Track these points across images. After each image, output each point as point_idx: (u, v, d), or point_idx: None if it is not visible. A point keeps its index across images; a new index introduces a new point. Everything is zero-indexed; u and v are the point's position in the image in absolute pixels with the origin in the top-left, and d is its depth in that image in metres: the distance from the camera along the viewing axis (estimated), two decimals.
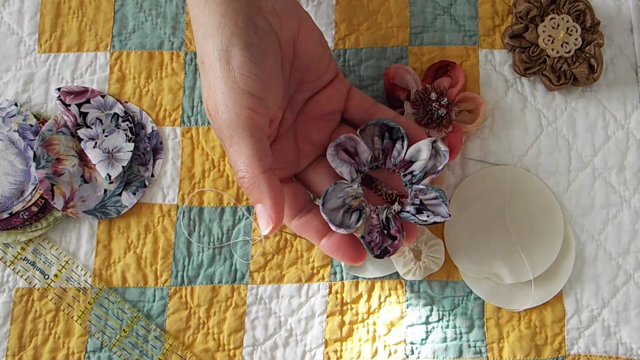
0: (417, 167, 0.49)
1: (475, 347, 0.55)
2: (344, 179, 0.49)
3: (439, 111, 0.54)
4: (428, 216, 0.47)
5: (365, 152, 0.50)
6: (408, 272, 0.54)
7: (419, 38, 0.60)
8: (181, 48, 0.60)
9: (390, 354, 0.55)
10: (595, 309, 0.56)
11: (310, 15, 0.49)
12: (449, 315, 0.56)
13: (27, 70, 0.60)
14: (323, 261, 0.57)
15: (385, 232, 0.47)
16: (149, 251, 0.57)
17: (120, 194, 0.57)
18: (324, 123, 0.51)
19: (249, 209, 0.58)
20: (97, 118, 0.58)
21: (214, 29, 0.44)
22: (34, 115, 0.58)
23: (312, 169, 0.51)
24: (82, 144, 0.57)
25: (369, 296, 0.56)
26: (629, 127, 0.59)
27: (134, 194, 0.57)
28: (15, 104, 0.58)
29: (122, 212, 0.57)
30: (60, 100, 0.57)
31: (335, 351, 0.56)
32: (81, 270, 0.57)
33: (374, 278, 0.56)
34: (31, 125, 0.58)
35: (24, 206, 0.56)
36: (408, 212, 0.47)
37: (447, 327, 0.56)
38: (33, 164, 0.56)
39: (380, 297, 0.56)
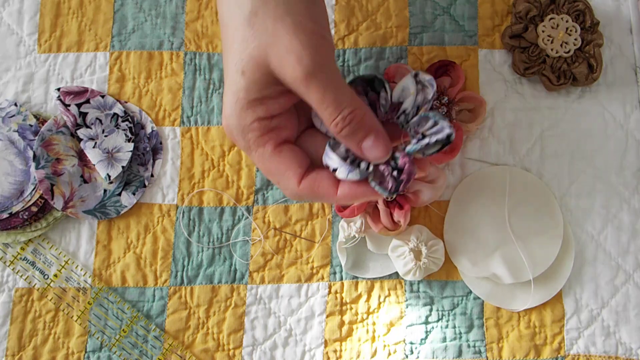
0: (407, 104, 0.46)
1: (474, 347, 0.55)
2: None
3: (439, 110, 0.54)
4: (431, 138, 0.43)
5: None
6: (408, 272, 0.54)
7: (418, 38, 0.60)
8: (181, 48, 0.60)
9: (389, 354, 0.55)
10: (594, 309, 0.56)
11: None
12: (449, 315, 0.56)
13: (27, 70, 0.60)
14: (323, 261, 0.57)
15: (396, 171, 0.43)
16: (148, 251, 0.57)
17: (119, 194, 0.57)
18: None
19: (249, 209, 0.58)
20: (97, 118, 0.58)
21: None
22: (34, 115, 0.58)
23: (306, 133, 0.48)
24: (81, 144, 0.57)
25: (369, 296, 0.56)
26: (629, 127, 0.59)
27: (134, 194, 0.57)
28: (15, 104, 0.58)
29: (122, 212, 0.57)
30: (60, 100, 0.57)
31: (335, 351, 0.56)
32: (81, 270, 0.57)
33: (374, 278, 0.56)
34: (31, 125, 0.58)
35: (23, 206, 0.56)
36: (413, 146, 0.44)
37: (447, 327, 0.56)
38: (33, 164, 0.56)
39: (379, 297, 0.56)
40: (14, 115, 0.58)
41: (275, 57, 0.41)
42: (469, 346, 0.55)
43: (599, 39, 0.58)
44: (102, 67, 0.60)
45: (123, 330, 0.56)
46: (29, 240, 0.57)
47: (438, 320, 0.56)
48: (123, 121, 0.58)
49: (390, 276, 0.57)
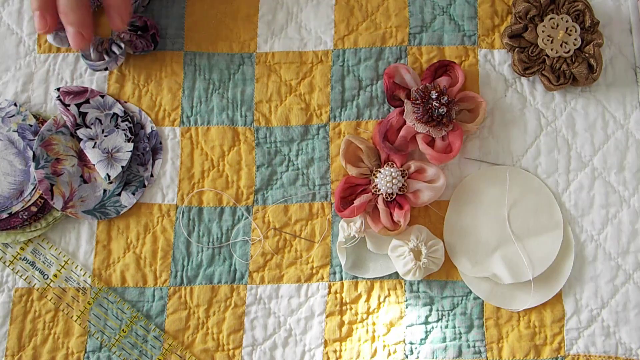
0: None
1: (474, 347, 0.55)
2: None
3: (439, 109, 0.54)
4: None
5: None
6: (408, 272, 0.54)
7: (417, 38, 0.60)
8: (181, 48, 0.60)
9: (389, 354, 0.55)
10: (594, 309, 0.56)
11: None
12: (448, 315, 0.56)
13: (27, 70, 0.60)
14: (322, 261, 0.57)
15: None
16: (148, 251, 0.57)
17: (119, 194, 0.57)
18: None
19: (248, 209, 0.58)
20: (97, 118, 0.58)
21: None
22: (34, 115, 0.58)
23: None
24: (81, 144, 0.57)
25: (369, 296, 0.56)
26: (629, 127, 0.59)
27: (133, 194, 0.57)
28: (15, 104, 0.58)
29: (122, 212, 0.57)
30: (60, 100, 0.57)
31: (335, 351, 0.56)
32: (80, 270, 0.57)
33: (374, 278, 0.56)
34: (30, 125, 0.58)
35: (23, 206, 0.56)
36: None
37: (447, 327, 0.56)
38: (32, 164, 0.56)
39: (379, 297, 0.56)
40: (13, 115, 0.58)
41: None
42: (468, 346, 0.55)
43: (598, 38, 0.57)
44: None
45: (123, 330, 0.56)
46: (29, 240, 0.57)
47: (438, 321, 0.56)
48: (123, 121, 0.58)
49: (390, 276, 0.57)
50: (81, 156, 0.58)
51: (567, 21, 0.58)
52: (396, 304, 0.56)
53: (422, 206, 0.57)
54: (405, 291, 0.56)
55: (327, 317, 0.56)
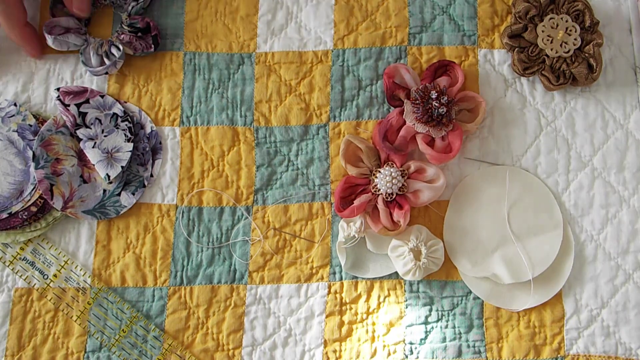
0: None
1: (474, 347, 0.55)
2: None
3: (439, 109, 0.54)
4: None
5: None
6: (408, 272, 0.54)
7: (417, 38, 0.60)
8: (180, 48, 0.60)
9: (389, 354, 0.55)
10: (594, 309, 0.56)
11: None
12: (448, 315, 0.56)
13: (27, 71, 0.60)
14: (322, 261, 0.57)
15: None
16: (148, 251, 0.57)
17: (119, 194, 0.57)
18: None
19: (248, 209, 0.58)
20: (97, 118, 0.58)
21: None
22: (33, 115, 0.58)
23: None
24: (81, 144, 0.57)
25: (368, 296, 0.56)
26: (628, 127, 0.59)
27: (133, 194, 0.57)
28: (15, 104, 0.58)
29: (121, 212, 0.57)
30: (60, 100, 0.57)
31: (335, 351, 0.56)
32: (80, 270, 0.57)
33: (374, 278, 0.56)
34: (30, 125, 0.58)
35: (23, 206, 0.56)
36: None
37: (446, 327, 0.56)
38: (32, 164, 0.56)
39: (379, 297, 0.56)
40: (13, 115, 0.58)
41: None
42: (468, 346, 0.55)
43: (598, 38, 0.57)
44: None
45: (122, 330, 0.56)
46: (29, 240, 0.57)
47: (438, 320, 0.56)
48: (122, 121, 0.58)
49: (390, 276, 0.56)
50: (81, 156, 0.58)
51: (567, 21, 0.58)
52: (396, 304, 0.56)
53: (422, 206, 0.57)
54: (405, 291, 0.56)
55: (327, 317, 0.56)
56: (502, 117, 0.59)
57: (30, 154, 0.57)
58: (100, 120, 0.58)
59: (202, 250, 0.57)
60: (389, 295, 0.56)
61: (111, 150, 0.57)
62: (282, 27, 0.60)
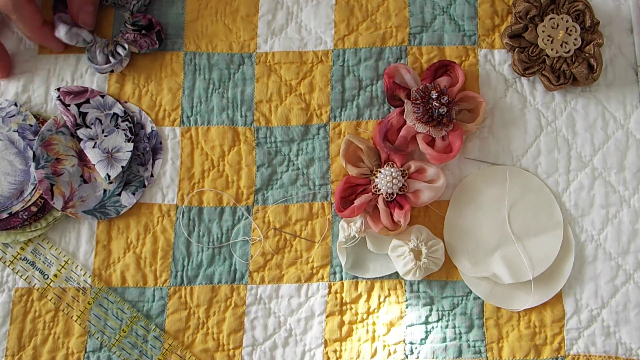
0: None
1: (474, 347, 0.55)
2: None
3: (440, 109, 0.54)
4: None
5: None
6: (408, 272, 0.54)
7: (418, 38, 0.60)
8: (181, 48, 0.60)
9: (389, 354, 0.55)
10: (594, 309, 0.56)
11: None
12: (449, 315, 0.56)
13: (27, 71, 0.60)
14: (323, 261, 0.57)
15: None
16: (148, 251, 0.57)
17: (119, 194, 0.57)
18: None
19: (249, 209, 0.58)
20: (97, 118, 0.58)
21: None
22: (34, 115, 0.58)
23: None
24: (81, 144, 0.57)
25: (369, 296, 0.56)
26: (629, 127, 0.59)
27: (134, 194, 0.57)
28: (15, 104, 0.58)
29: (122, 212, 0.57)
30: (60, 100, 0.57)
31: (335, 351, 0.56)
32: (80, 270, 0.57)
33: (374, 278, 0.56)
34: (31, 125, 0.58)
35: (23, 206, 0.56)
36: None
37: (447, 327, 0.56)
38: (32, 164, 0.56)
39: (379, 297, 0.56)
40: (14, 115, 0.58)
41: None
42: (469, 346, 0.55)
43: (599, 38, 0.57)
44: None
45: (123, 330, 0.56)
46: (29, 240, 0.57)
47: (438, 320, 0.56)
48: (123, 121, 0.58)
49: (390, 276, 0.56)
50: (81, 156, 0.58)
51: (567, 21, 0.58)
52: (396, 304, 0.56)
53: (422, 206, 0.57)
54: (405, 291, 0.56)
55: (327, 317, 0.56)
56: (503, 117, 0.59)
57: (30, 154, 0.57)
58: (100, 120, 0.58)
59: (202, 250, 0.57)
60: (389, 295, 0.56)
61: (111, 150, 0.57)
62: (282, 27, 0.60)
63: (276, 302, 0.56)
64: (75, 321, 0.56)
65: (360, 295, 0.56)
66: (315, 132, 0.58)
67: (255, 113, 0.59)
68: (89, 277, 0.57)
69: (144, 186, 0.58)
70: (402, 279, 0.56)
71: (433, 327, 0.56)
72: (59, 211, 0.57)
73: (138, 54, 0.59)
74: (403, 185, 0.55)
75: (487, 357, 0.55)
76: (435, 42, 0.60)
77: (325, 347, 0.56)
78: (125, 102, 0.59)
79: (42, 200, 0.56)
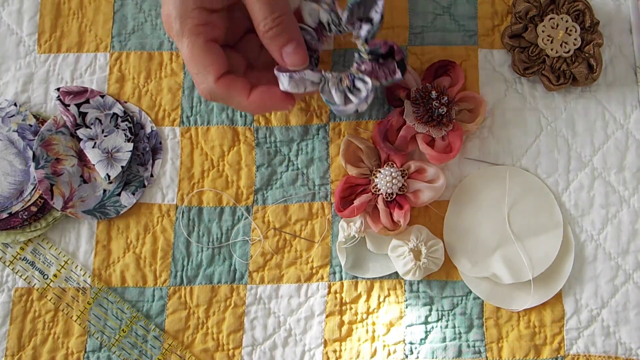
0: (322, 16, 0.51)
1: (474, 347, 0.55)
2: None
3: (440, 109, 0.54)
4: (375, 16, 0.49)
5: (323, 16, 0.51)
6: (408, 272, 0.54)
7: (418, 38, 0.60)
8: None
9: (389, 354, 0.55)
10: (594, 309, 0.56)
11: None
12: (448, 315, 0.56)
13: (27, 71, 0.60)
14: (322, 261, 0.57)
15: (359, 81, 0.50)
16: (148, 251, 0.57)
17: (119, 194, 0.57)
18: None
19: (248, 209, 0.58)
20: (97, 118, 0.58)
21: None
22: (34, 115, 0.58)
23: (246, 38, 0.53)
24: (81, 144, 0.57)
25: (368, 296, 0.56)
26: (629, 127, 0.59)
27: (133, 194, 0.57)
28: (15, 104, 0.58)
29: (121, 212, 0.57)
30: (60, 100, 0.57)
31: (335, 351, 0.56)
32: (80, 270, 0.57)
33: (374, 278, 0.56)
34: (30, 125, 0.58)
35: (23, 206, 0.56)
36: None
37: (446, 327, 0.56)
38: (32, 164, 0.56)
39: (379, 297, 0.56)
40: (13, 115, 0.58)
41: None
42: (468, 346, 0.55)
43: (598, 38, 0.57)
44: (102, 67, 0.60)
45: (122, 330, 0.56)
46: (29, 240, 0.57)
47: (438, 320, 0.56)
48: (123, 121, 0.58)
49: (390, 276, 0.56)
50: (81, 156, 0.58)
51: (567, 21, 0.58)
52: (396, 304, 0.56)
53: (422, 206, 0.57)
54: (405, 291, 0.56)
55: (327, 317, 0.56)
56: (502, 117, 0.59)
57: (30, 154, 0.57)
58: (100, 120, 0.58)
59: (202, 250, 0.57)
60: (389, 295, 0.56)
61: (111, 150, 0.57)
62: None
63: (276, 302, 0.56)
64: (75, 321, 0.56)
65: (360, 295, 0.56)
66: (315, 132, 0.58)
67: None
68: (89, 277, 0.57)
69: (144, 186, 0.58)
70: (402, 279, 0.56)
71: (433, 327, 0.56)
72: (58, 211, 0.57)
73: (136, 53, 0.59)
74: (403, 185, 0.55)
75: (486, 357, 0.55)
76: (436, 42, 0.59)
77: (325, 347, 0.56)
78: (125, 102, 0.59)
79: (42, 200, 0.56)
